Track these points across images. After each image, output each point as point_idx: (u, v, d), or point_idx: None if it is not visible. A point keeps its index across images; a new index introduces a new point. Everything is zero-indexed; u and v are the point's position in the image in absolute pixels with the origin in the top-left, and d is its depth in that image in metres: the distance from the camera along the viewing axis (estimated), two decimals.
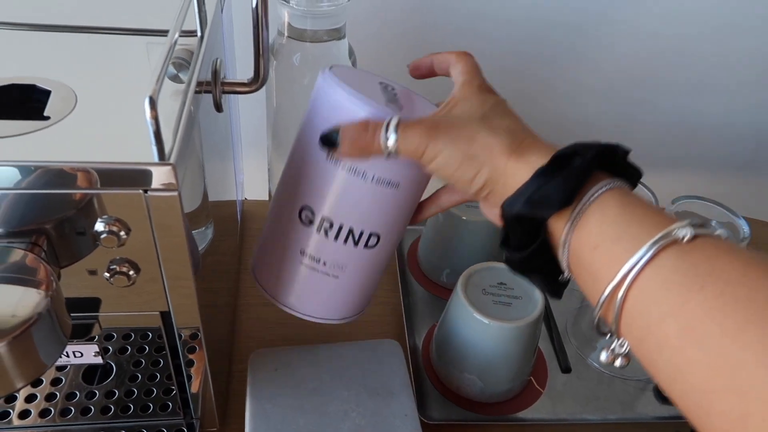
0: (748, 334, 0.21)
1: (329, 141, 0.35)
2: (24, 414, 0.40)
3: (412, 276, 0.62)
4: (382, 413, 0.41)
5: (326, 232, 0.39)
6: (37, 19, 0.39)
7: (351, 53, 0.52)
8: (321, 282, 0.40)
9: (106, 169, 0.28)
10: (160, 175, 0.28)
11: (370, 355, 0.45)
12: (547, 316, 0.59)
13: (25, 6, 0.41)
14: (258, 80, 0.43)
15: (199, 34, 0.40)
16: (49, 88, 0.32)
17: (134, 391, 0.42)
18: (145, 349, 0.41)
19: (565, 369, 0.54)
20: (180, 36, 0.33)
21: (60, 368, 0.42)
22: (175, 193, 0.29)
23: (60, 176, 0.28)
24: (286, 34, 0.49)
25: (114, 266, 0.31)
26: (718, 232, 0.26)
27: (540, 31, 0.67)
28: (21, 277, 0.27)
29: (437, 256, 0.60)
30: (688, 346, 0.23)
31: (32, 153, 0.28)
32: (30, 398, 0.41)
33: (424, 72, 0.41)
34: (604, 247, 0.27)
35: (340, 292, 0.41)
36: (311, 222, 0.39)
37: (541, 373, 0.54)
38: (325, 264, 0.41)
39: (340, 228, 0.39)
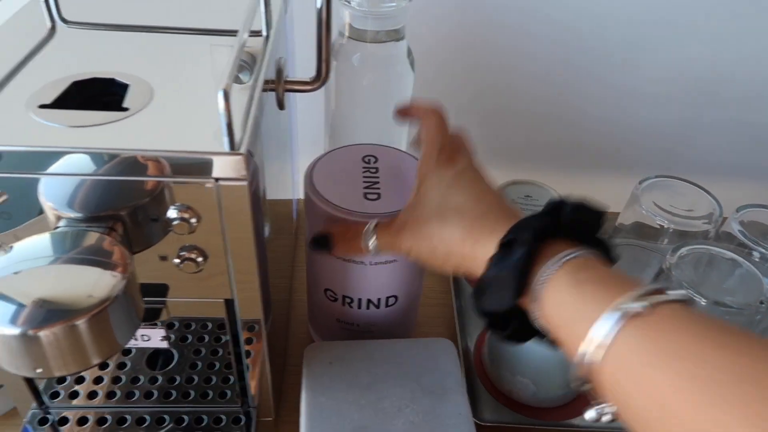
0: (719, 411, 0.21)
1: (322, 244, 0.41)
2: (92, 395, 0.42)
3: (465, 278, 0.62)
4: (436, 411, 0.41)
5: (350, 305, 0.47)
6: (117, 20, 0.41)
7: (409, 53, 0.53)
8: (360, 337, 0.48)
9: (180, 158, 0.29)
10: (231, 165, 0.29)
11: (424, 353, 0.45)
12: None
13: (107, 8, 0.43)
14: (320, 79, 0.44)
15: (264, 34, 0.41)
16: (128, 82, 0.33)
17: (194, 378, 0.43)
18: (205, 338, 0.42)
19: None
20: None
21: (125, 352, 0.44)
22: (245, 183, 0.30)
23: (136, 164, 0.29)
24: (346, 34, 0.50)
25: (183, 252, 0.32)
26: (675, 294, 0.25)
27: (595, 31, 0.66)
28: (99, 259, 0.29)
29: None
30: (665, 418, 0.23)
31: (111, 141, 0.29)
32: (97, 380, 0.43)
33: (405, 119, 0.46)
34: (566, 327, 0.28)
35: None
36: (335, 299, 0.47)
37: None
38: (358, 326, 0.49)
39: (360, 300, 0.47)
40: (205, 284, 0.34)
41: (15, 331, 0.26)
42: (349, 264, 0.44)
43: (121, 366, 0.43)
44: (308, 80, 0.44)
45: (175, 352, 0.44)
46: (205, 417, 0.42)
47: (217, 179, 0.30)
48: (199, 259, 0.33)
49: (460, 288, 0.61)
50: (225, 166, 0.29)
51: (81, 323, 0.27)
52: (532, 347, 0.46)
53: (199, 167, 0.29)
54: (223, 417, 0.42)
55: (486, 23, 0.65)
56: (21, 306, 0.26)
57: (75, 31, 0.39)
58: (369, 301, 0.47)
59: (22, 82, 0.33)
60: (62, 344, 0.27)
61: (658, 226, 0.58)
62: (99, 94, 0.33)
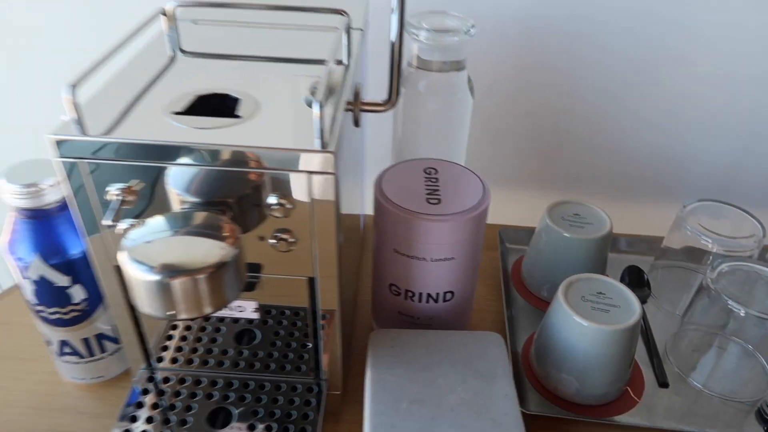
0: None
1: None
2: (189, 361, 0.49)
3: (515, 289, 0.67)
4: (485, 392, 0.46)
5: (411, 298, 0.53)
6: (223, 51, 0.50)
7: (469, 81, 0.59)
8: (420, 328, 0.54)
9: (281, 154, 0.37)
10: (322, 161, 0.36)
11: (475, 343, 0.50)
12: (646, 335, 0.61)
13: (215, 42, 0.52)
14: (390, 102, 0.51)
15: (345, 63, 0.49)
16: (239, 97, 0.42)
17: (274, 354, 0.50)
18: (286, 312, 0.49)
19: (663, 384, 0.56)
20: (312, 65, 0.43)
21: (217, 329, 0.51)
22: (333, 177, 0.37)
23: (245, 158, 0.37)
24: (414, 64, 0.58)
25: (278, 234, 0.40)
26: None
27: (645, 66, 0.71)
28: (217, 234, 0.36)
29: (540, 271, 0.65)
30: None
31: (227, 140, 0.37)
32: (194, 350, 0.50)
33: None
34: None
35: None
36: (399, 293, 0.53)
37: (638, 385, 0.56)
38: (418, 318, 0.55)
39: (420, 294, 0.53)
40: (293, 263, 0.41)
41: (156, 278, 0.33)
42: (412, 260, 0.51)
43: (213, 340, 0.51)
44: (381, 102, 0.51)
45: (258, 331, 0.51)
46: (283, 385, 0.48)
47: (309, 172, 0.37)
48: (291, 240, 0.40)
49: (511, 297, 0.65)
50: (316, 162, 0.37)
51: (201, 278, 0.34)
52: (578, 346, 0.51)
53: (296, 162, 0.37)
54: (299, 386, 0.48)
55: (539, 57, 0.71)
56: (155, 264, 0.34)
57: (190, 59, 0.48)
58: (428, 295, 0.53)
59: (156, 96, 0.42)
60: (187, 293, 0.34)
61: (703, 247, 0.61)
62: (217, 106, 0.41)
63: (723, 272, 0.56)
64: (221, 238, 0.36)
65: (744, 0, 0.66)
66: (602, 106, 0.75)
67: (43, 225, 0.45)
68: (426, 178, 0.53)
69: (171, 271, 0.34)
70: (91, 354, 0.52)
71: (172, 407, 0.47)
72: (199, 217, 0.37)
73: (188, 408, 0.47)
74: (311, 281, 0.43)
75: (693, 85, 0.72)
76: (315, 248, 0.40)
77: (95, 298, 0.49)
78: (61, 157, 0.37)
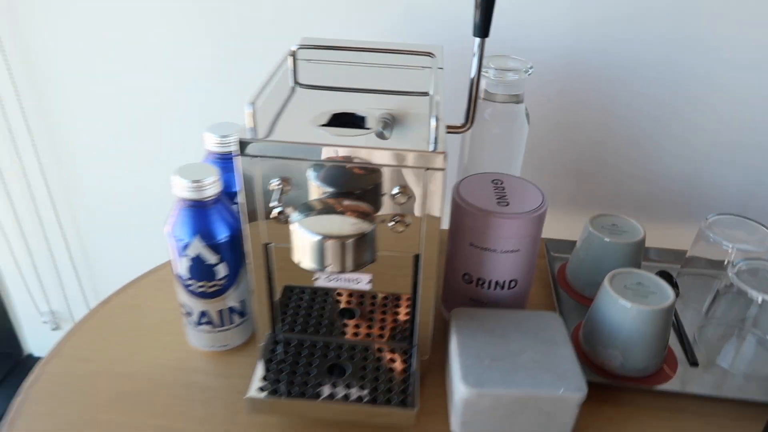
0: None
1: None
2: (304, 330, 0.61)
3: (562, 289, 0.78)
4: (551, 354, 0.57)
5: (481, 286, 0.65)
6: (332, 84, 0.63)
7: (526, 112, 0.72)
8: None
9: (406, 153, 0.49)
10: (435, 159, 0.49)
11: (538, 319, 0.61)
12: (677, 325, 0.71)
13: (326, 76, 0.66)
14: (467, 125, 0.64)
15: (431, 93, 0.62)
16: (365, 115, 0.54)
17: (373, 325, 0.61)
18: (387, 296, 0.61)
19: (693, 362, 0.66)
20: (419, 95, 0.56)
21: (322, 308, 0.63)
22: (443, 172, 0.49)
23: (378, 156, 0.49)
24: (482, 97, 0.71)
25: (396, 217, 0.52)
26: None
27: (668, 106, 0.84)
28: (360, 214, 0.48)
29: (582, 272, 0.76)
30: None
31: (362, 143, 0.50)
32: (307, 321, 0.62)
33: None
34: None
35: None
36: (471, 281, 0.65)
37: (672, 365, 0.66)
38: (486, 304, 0.67)
39: (489, 281, 0.65)
40: (404, 243, 0.53)
41: (317, 238, 0.45)
42: (485, 252, 0.62)
43: (321, 314, 0.62)
44: (459, 125, 0.64)
45: (357, 310, 0.63)
46: (383, 348, 0.59)
47: (426, 168, 0.49)
48: (406, 222, 0.52)
49: (559, 295, 0.76)
50: (431, 160, 0.49)
51: (349, 242, 0.46)
52: (623, 325, 0.61)
53: (416, 160, 0.49)
54: (395, 349, 0.59)
55: (586, 90, 0.85)
56: (318, 231, 0.46)
57: (306, 90, 0.61)
58: (496, 282, 0.65)
59: (294, 114, 0.54)
60: (337, 252, 0.46)
61: (724, 253, 0.72)
62: (349, 122, 0.54)
63: (742, 269, 0.67)
64: (363, 217, 0.48)
65: (759, 55, 0.79)
66: (632, 138, 0.88)
67: (202, 213, 0.58)
68: (494, 187, 0.65)
69: (328, 236, 0.46)
70: (222, 324, 0.63)
71: (296, 363, 0.58)
72: (347, 201, 0.50)
73: (309, 363, 0.58)
74: (416, 258, 0.54)
75: (710, 124, 0.85)
76: (423, 230, 0.52)
77: (233, 276, 0.61)
78: (242, 155, 0.50)
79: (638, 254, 0.73)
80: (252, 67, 0.89)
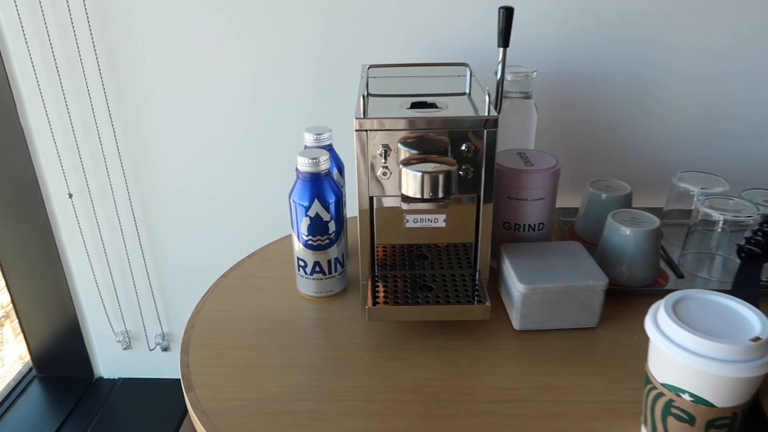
0: None
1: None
2: (393, 267, 0.82)
3: (571, 239, 1.00)
4: (578, 264, 0.79)
5: (517, 229, 0.87)
6: (392, 93, 0.87)
7: (535, 106, 0.97)
8: None
9: (472, 118, 0.72)
10: (492, 120, 0.72)
11: (564, 245, 0.84)
12: (665, 254, 0.94)
13: (386, 87, 0.89)
14: (498, 112, 0.88)
15: (467, 92, 0.86)
16: (432, 102, 0.78)
17: (450, 257, 0.83)
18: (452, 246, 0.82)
19: (680, 275, 0.89)
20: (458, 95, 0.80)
21: (403, 253, 0.84)
22: (496, 129, 0.72)
23: (453, 122, 0.72)
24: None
25: (464, 166, 0.74)
26: None
27: (640, 87, 1.10)
28: (447, 162, 0.71)
29: (589, 223, 0.99)
30: None
31: (437, 115, 0.73)
32: (393, 262, 0.83)
33: None
34: None
35: None
36: (509, 227, 0.87)
37: (664, 278, 0.88)
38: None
39: (524, 225, 0.87)
40: (468, 184, 0.75)
41: (419, 173, 0.68)
42: (519, 201, 0.85)
43: (402, 257, 0.83)
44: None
45: (430, 254, 0.84)
46: (455, 274, 0.81)
47: (484, 129, 0.72)
48: (471, 170, 0.74)
49: None
50: (489, 121, 0.72)
51: (440, 174, 0.68)
52: (626, 245, 0.84)
53: (478, 123, 0.72)
54: (465, 274, 0.81)
55: (578, 87, 1.10)
56: (420, 170, 0.68)
57: (374, 98, 0.84)
58: (528, 226, 0.87)
59: (378, 106, 0.78)
60: (435, 183, 0.68)
61: (692, 197, 0.96)
62: (421, 105, 0.77)
63: (706, 202, 0.90)
64: (450, 164, 0.70)
65: (700, 45, 1.06)
66: (616, 118, 1.13)
67: (318, 183, 0.79)
68: (519, 156, 0.89)
69: (426, 172, 0.68)
70: (330, 272, 0.84)
71: (396, 286, 0.79)
72: (433, 156, 0.72)
73: (405, 286, 0.79)
74: (478, 198, 0.77)
75: (672, 101, 1.11)
76: (483, 176, 0.75)
77: (338, 232, 0.83)
78: (358, 131, 0.72)
79: (628, 204, 0.97)
80: (313, 102, 1.13)
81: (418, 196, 0.69)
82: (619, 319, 0.81)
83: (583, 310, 0.77)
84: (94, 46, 1.13)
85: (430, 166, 0.70)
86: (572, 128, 1.14)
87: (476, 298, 0.76)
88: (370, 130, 0.73)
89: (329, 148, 0.89)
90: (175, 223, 1.30)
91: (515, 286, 0.76)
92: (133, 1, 1.09)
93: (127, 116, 1.19)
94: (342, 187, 0.92)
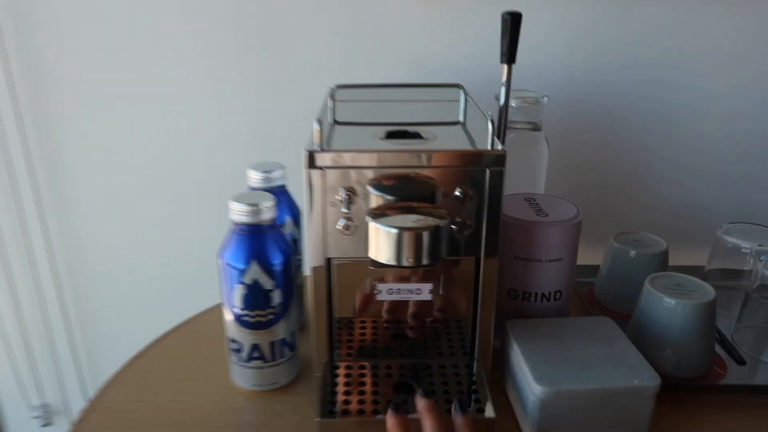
0: None
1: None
2: (361, 355, 0.60)
3: (591, 307, 0.79)
4: (613, 352, 0.57)
5: (528, 299, 0.66)
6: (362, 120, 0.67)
7: (546, 140, 0.77)
8: None
9: (469, 154, 0.52)
10: (495, 158, 0.51)
11: (590, 323, 0.62)
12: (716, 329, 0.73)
13: (357, 114, 0.69)
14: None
15: (461, 120, 0.66)
16: (415, 131, 0.57)
17: (436, 343, 0.61)
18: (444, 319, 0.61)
19: (740, 361, 0.68)
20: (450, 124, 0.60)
21: (374, 334, 0.62)
22: (503, 168, 0.52)
23: (438, 158, 0.51)
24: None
25: (458, 219, 0.53)
26: None
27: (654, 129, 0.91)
28: (432, 212, 0.50)
29: (612, 288, 0.78)
30: None
31: (422, 147, 0.52)
32: (363, 342, 0.61)
33: None
34: None
35: None
36: (516, 296, 0.67)
37: (720, 365, 0.67)
38: (531, 317, 0.66)
39: (535, 294, 0.66)
40: (464, 243, 0.54)
41: (394, 231, 0.46)
42: (530, 263, 0.64)
43: (374, 340, 0.61)
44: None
45: (410, 338, 0.62)
46: (444, 365, 0.59)
47: (486, 167, 0.52)
48: (468, 222, 0.53)
49: (595, 314, 0.78)
50: (491, 158, 0.51)
51: (425, 233, 0.47)
52: (672, 323, 0.63)
53: (477, 160, 0.52)
54: (458, 365, 0.59)
55: (596, 121, 0.90)
56: (395, 225, 0.47)
57: (344, 127, 0.63)
58: (542, 294, 0.66)
59: (343, 136, 0.57)
60: (414, 244, 0.47)
61: (741, 258, 0.76)
62: (404, 135, 0.56)
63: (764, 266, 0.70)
64: (434, 214, 0.49)
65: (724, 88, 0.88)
66: (637, 160, 0.93)
67: (259, 238, 0.58)
68: (529, 203, 0.68)
69: (405, 228, 0.47)
70: (273, 358, 0.62)
71: (361, 384, 0.56)
72: (414, 204, 0.51)
73: (375, 383, 0.57)
74: (477, 260, 0.56)
75: (700, 143, 0.92)
76: (483, 232, 0.54)
77: (285, 304, 0.60)
78: (310, 167, 0.51)
79: (664, 265, 0.76)
80: (271, 126, 0.92)
81: (393, 262, 0.48)
82: (668, 428, 0.59)
83: (626, 422, 0.55)
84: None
85: (410, 220, 0.48)
86: (588, 168, 0.94)
87: (474, 404, 0.54)
88: (327, 168, 0.52)
89: (281, 191, 0.68)
90: (103, 280, 1.07)
91: (530, 387, 0.54)
92: (44, 11, 0.89)
93: (45, 151, 0.97)
94: (298, 241, 0.71)
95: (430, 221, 0.48)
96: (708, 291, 0.64)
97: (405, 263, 0.48)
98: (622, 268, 0.76)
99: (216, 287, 0.61)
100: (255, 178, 0.66)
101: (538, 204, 0.68)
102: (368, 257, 0.51)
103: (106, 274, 1.06)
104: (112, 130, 0.95)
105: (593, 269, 0.83)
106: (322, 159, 0.51)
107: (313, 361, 0.60)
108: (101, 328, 1.12)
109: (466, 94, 0.68)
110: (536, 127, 0.76)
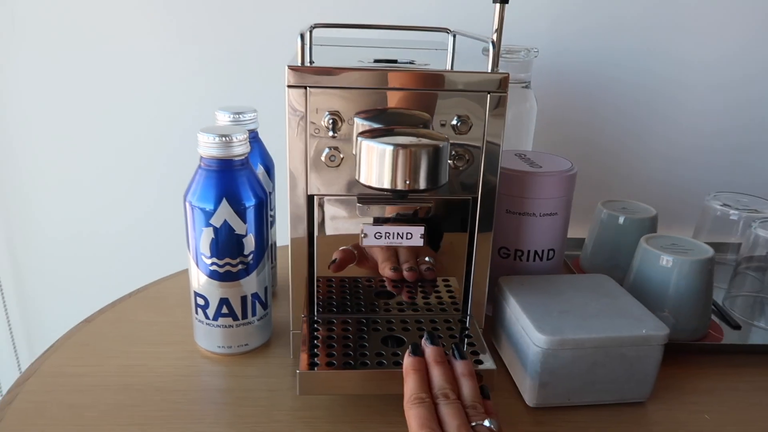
0: None
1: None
2: (344, 311, 0.54)
3: None
4: (615, 304, 0.53)
5: (519, 258, 0.62)
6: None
7: (535, 98, 0.73)
8: None
9: (467, 73, 0.47)
10: (497, 82, 0.47)
11: (589, 280, 0.58)
12: None
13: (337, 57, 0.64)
14: None
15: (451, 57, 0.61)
16: (407, 59, 0.52)
17: (416, 298, 0.55)
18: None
19: (735, 326, 0.65)
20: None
21: (357, 289, 0.56)
22: (506, 93, 0.47)
23: (435, 80, 0.47)
24: None
25: (455, 151, 0.48)
26: None
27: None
28: (434, 135, 0.45)
29: (601, 256, 0.74)
30: None
31: (419, 70, 0.47)
32: (344, 302, 0.55)
33: None
34: None
35: None
36: (508, 255, 0.62)
37: (715, 329, 0.64)
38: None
39: (528, 252, 0.61)
40: (462, 182, 0.49)
41: (390, 147, 0.41)
42: (523, 217, 0.60)
43: (357, 296, 0.56)
44: None
45: (397, 291, 0.57)
46: (435, 320, 0.53)
47: (488, 92, 0.47)
48: (466, 157, 0.48)
49: None
50: (492, 82, 0.47)
51: (423, 152, 0.42)
52: (670, 281, 0.59)
53: (477, 84, 0.47)
54: (450, 320, 0.53)
55: (586, 81, 0.88)
56: (391, 143, 0.42)
57: (325, 47, 0.59)
58: (535, 252, 0.61)
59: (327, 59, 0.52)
60: (412, 163, 0.42)
61: (731, 222, 0.74)
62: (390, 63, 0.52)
63: (758, 227, 0.68)
64: (438, 138, 0.44)
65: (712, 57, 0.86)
66: (620, 136, 0.91)
67: (230, 175, 0.51)
68: (520, 158, 0.64)
69: (399, 144, 0.42)
70: (244, 316, 0.55)
71: (346, 338, 0.50)
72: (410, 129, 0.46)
73: (360, 338, 0.51)
74: (474, 200, 0.51)
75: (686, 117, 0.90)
76: (482, 167, 0.49)
77: (258, 254, 0.54)
78: (291, 87, 0.46)
79: (653, 231, 0.73)
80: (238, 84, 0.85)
81: (387, 185, 0.43)
82: (672, 388, 0.55)
83: (632, 375, 0.51)
84: None
85: (407, 139, 0.43)
86: (574, 135, 0.91)
87: (471, 356, 0.49)
88: (312, 87, 0.46)
89: (253, 137, 0.62)
90: (46, 243, 0.97)
91: (531, 338, 0.49)
92: None
93: None
94: (270, 193, 0.64)
95: (429, 141, 0.43)
96: (705, 248, 0.61)
97: (401, 186, 0.42)
98: (612, 236, 0.73)
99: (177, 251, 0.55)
100: (224, 120, 0.60)
101: (529, 159, 0.64)
102: (355, 194, 0.45)
103: (57, 245, 0.97)
104: (67, 98, 0.87)
105: (578, 242, 0.80)
106: (306, 77, 0.46)
107: (291, 319, 0.54)
108: (43, 305, 1.02)
109: (454, 39, 0.64)
110: (526, 85, 0.72)
